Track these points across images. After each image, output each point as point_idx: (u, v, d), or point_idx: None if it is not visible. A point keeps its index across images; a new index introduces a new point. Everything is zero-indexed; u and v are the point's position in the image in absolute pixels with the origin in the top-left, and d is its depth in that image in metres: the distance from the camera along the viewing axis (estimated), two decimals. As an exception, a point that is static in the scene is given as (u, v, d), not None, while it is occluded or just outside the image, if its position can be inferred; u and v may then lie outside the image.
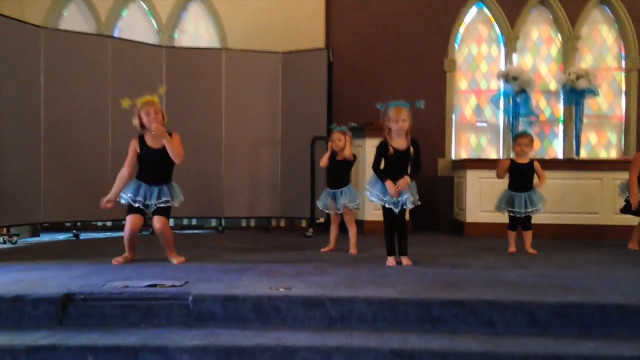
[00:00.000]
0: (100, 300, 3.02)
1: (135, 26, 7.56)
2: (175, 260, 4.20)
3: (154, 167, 4.23)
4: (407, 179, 4.17)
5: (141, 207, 4.18)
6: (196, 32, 7.73)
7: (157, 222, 4.20)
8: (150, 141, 4.23)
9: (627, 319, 2.91)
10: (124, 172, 4.27)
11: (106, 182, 5.81)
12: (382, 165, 4.28)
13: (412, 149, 4.21)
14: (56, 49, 5.86)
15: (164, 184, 4.26)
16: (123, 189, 4.22)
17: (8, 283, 3.29)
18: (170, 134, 4.24)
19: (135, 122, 4.22)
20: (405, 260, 4.22)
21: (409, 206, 4.23)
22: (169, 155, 4.21)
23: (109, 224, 6.92)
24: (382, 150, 4.25)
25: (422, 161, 4.30)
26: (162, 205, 4.20)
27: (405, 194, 4.18)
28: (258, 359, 2.65)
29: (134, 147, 4.26)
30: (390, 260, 4.23)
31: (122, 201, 4.20)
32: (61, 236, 6.20)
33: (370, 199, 4.36)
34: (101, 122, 6.09)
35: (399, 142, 4.21)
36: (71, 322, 2.95)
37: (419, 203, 4.29)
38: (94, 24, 7.48)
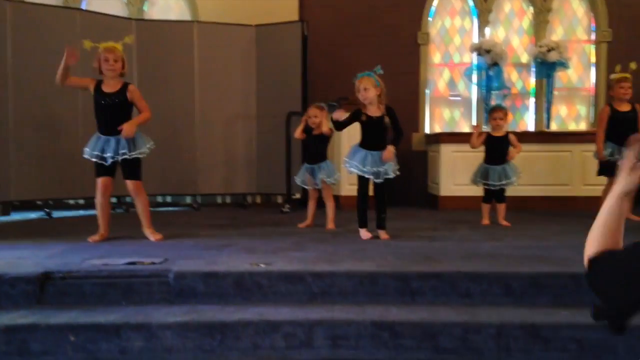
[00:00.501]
0: (79, 278, 3.00)
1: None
2: (153, 237, 4.16)
3: (110, 115, 4.08)
4: (391, 149, 4.19)
5: (100, 162, 4.05)
6: (166, 4, 7.54)
7: (130, 185, 4.16)
8: (105, 87, 4.12)
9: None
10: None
11: (77, 159, 5.71)
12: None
13: (386, 118, 4.23)
14: (23, 22, 5.68)
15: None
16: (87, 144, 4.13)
17: (-17, 263, 3.23)
18: (126, 85, 4.15)
19: (95, 65, 4.14)
20: (382, 234, 4.24)
21: (391, 175, 4.25)
22: (124, 101, 4.12)
23: (81, 202, 6.81)
24: (355, 114, 4.27)
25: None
26: (119, 158, 4.05)
27: (388, 164, 4.19)
28: (241, 333, 2.67)
29: (89, 79, 4.15)
30: (364, 232, 4.25)
31: (85, 155, 4.11)
32: (33, 215, 6.09)
33: (349, 170, 4.37)
34: (71, 97, 5.93)
35: (373, 111, 4.24)
36: (50, 301, 2.93)
37: (398, 173, 4.31)
38: (61, -4, 7.25)
